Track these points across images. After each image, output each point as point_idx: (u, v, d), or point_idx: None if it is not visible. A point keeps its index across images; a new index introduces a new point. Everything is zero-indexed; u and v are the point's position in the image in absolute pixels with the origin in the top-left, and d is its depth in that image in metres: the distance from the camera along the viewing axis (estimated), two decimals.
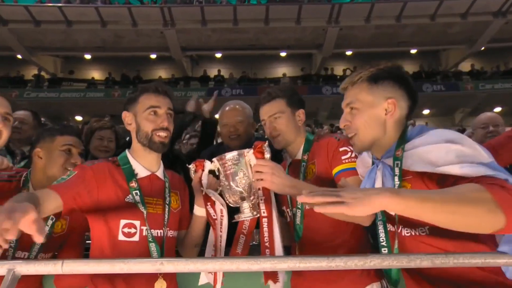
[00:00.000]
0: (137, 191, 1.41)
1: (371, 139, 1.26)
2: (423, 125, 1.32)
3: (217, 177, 1.49)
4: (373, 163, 1.35)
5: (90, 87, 18.51)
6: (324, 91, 17.79)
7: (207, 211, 1.48)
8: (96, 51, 18.73)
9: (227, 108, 2.39)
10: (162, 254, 1.41)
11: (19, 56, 17.61)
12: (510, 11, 16.03)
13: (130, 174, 1.45)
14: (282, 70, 20.25)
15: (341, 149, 1.54)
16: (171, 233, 1.50)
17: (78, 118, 18.25)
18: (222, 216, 1.46)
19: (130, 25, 16.92)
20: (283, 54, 20.14)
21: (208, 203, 1.47)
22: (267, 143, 1.40)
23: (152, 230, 1.40)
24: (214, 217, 1.47)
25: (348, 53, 20.03)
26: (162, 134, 1.47)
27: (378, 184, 1.25)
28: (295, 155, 1.69)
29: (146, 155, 1.51)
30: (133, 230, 1.39)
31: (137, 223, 1.39)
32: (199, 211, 1.53)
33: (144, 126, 1.48)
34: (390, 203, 0.87)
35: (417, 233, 1.17)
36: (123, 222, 1.38)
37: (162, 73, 19.73)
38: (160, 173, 1.55)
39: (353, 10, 16.98)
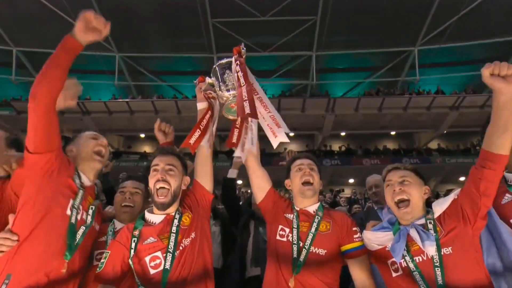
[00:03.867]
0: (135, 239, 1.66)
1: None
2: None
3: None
4: (392, 230, 1.70)
5: (142, 158, 21.91)
6: (324, 163, 20.25)
7: (207, 98, 1.88)
8: (149, 132, 22.16)
9: None
10: (172, 262, 1.62)
11: None
12: (461, 106, 20.01)
13: (140, 224, 1.72)
14: (291, 146, 23.19)
15: (354, 228, 1.88)
16: (186, 241, 1.69)
17: None
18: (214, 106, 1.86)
19: (175, 113, 20.90)
20: (291, 134, 22.64)
21: (208, 98, 1.88)
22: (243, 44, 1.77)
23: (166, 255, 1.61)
24: (211, 100, 1.88)
25: (342, 134, 23.37)
26: (162, 185, 1.67)
27: (418, 240, 1.58)
28: (305, 206, 1.96)
29: (158, 211, 1.74)
30: (158, 261, 1.61)
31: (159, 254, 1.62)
32: (200, 105, 1.89)
33: (150, 185, 1.71)
34: None
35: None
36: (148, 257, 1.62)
37: None
38: (171, 215, 1.74)
39: (345, 102, 20.95)
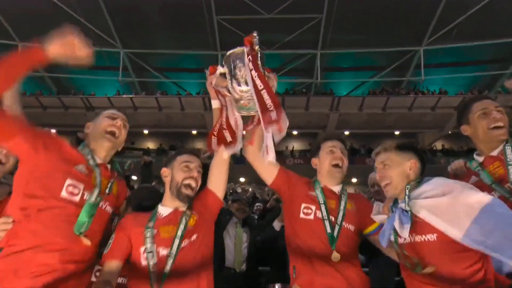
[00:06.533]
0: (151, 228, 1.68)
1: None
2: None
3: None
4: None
5: (145, 154, 22.21)
6: None
7: (218, 96, 1.72)
8: (152, 128, 22.90)
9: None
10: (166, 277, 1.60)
11: None
12: None
13: (153, 216, 1.74)
14: (294, 145, 23.90)
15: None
16: (185, 242, 1.68)
17: (134, 177, 22.27)
18: (229, 102, 1.69)
19: (179, 109, 20.98)
20: (295, 132, 23.41)
21: (219, 94, 1.70)
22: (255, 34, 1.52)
23: (160, 248, 1.64)
24: (223, 101, 1.71)
25: (346, 133, 22.82)
26: (192, 183, 1.76)
27: (397, 224, 1.56)
28: (330, 185, 1.99)
29: (170, 203, 1.79)
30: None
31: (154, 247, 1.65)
32: (214, 104, 1.83)
33: (176, 176, 1.77)
34: None
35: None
36: (142, 248, 1.64)
37: (200, 145, 23.28)
38: (181, 211, 1.76)
39: (349, 101, 20.92)
